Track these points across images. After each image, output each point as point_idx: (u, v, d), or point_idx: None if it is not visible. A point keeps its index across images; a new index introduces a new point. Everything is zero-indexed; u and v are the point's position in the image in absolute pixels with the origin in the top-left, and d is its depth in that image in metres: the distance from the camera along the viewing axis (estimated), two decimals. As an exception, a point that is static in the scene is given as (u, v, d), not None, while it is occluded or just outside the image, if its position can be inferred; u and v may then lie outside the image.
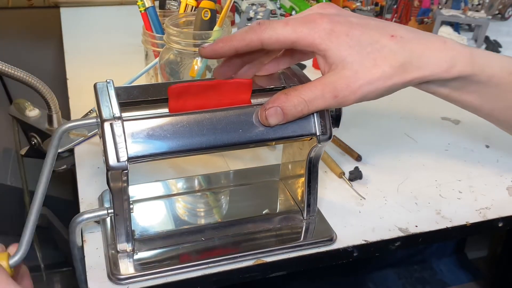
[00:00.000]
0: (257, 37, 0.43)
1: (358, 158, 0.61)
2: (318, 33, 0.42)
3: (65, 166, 0.61)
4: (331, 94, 0.42)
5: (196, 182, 0.56)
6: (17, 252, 0.39)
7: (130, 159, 0.40)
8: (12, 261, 0.39)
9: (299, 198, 0.51)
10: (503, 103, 0.49)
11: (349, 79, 0.42)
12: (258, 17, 0.92)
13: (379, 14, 1.14)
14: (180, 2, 0.66)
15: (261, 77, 0.48)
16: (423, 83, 0.46)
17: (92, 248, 0.47)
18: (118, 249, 0.45)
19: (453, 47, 0.45)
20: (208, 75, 0.59)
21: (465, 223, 0.52)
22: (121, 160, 0.39)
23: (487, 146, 0.66)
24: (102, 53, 0.89)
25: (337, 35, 0.42)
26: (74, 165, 0.59)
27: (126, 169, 0.39)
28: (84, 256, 0.46)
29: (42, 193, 0.41)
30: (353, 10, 1.13)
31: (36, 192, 0.41)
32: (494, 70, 0.47)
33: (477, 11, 1.06)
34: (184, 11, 0.65)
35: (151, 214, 0.51)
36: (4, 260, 0.39)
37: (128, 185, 0.41)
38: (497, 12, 1.20)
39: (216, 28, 0.57)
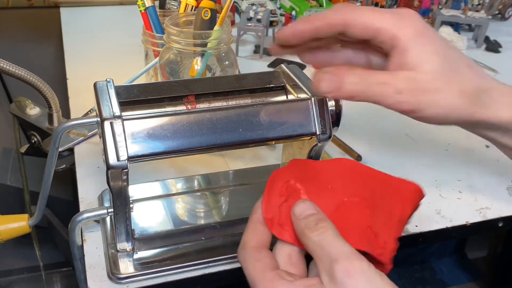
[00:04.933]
0: (341, 17, 0.40)
1: (358, 158, 0.61)
2: (406, 28, 0.40)
3: (64, 166, 0.61)
4: (393, 88, 0.39)
5: (196, 182, 0.56)
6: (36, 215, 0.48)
7: (130, 158, 0.40)
8: (31, 221, 0.48)
9: (299, 198, 0.51)
10: None
11: (420, 84, 0.39)
12: (258, 17, 0.92)
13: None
14: (180, 1, 0.66)
15: (260, 76, 0.48)
16: (486, 129, 0.43)
17: (92, 247, 0.47)
18: (118, 249, 0.45)
19: None
20: (208, 75, 0.59)
21: (465, 223, 0.52)
22: (121, 159, 0.39)
23: (487, 146, 0.66)
24: (102, 53, 0.89)
25: (424, 38, 0.40)
26: (74, 164, 0.59)
27: (126, 168, 0.39)
28: (84, 255, 0.46)
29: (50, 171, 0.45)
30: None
31: (45, 173, 0.45)
32: None
33: (477, 11, 1.07)
34: (184, 11, 0.65)
35: (151, 213, 0.51)
36: (24, 220, 0.48)
37: (128, 184, 0.41)
38: (497, 12, 1.20)
39: (216, 27, 0.57)
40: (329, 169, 0.41)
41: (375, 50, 0.44)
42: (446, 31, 1.01)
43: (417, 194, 0.40)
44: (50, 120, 0.63)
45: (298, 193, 0.38)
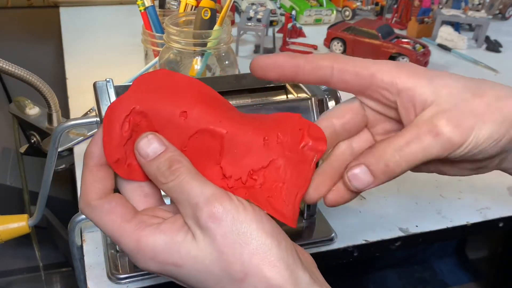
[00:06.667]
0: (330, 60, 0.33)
1: (358, 157, 0.61)
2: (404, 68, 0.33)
3: (64, 166, 0.61)
4: (429, 137, 0.31)
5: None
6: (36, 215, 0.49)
7: (130, 158, 0.39)
8: (31, 221, 0.49)
9: (299, 198, 0.51)
10: None
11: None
12: (258, 16, 0.92)
13: (380, 14, 1.14)
14: (180, 1, 0.66)
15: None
16: None
17: (92, 247, 0.46)
18: (118, 249, 0.45)
19: None
20: (208, 75, 0.59)
21: (466, 223, 0.52)
22: (120, 159, 0.39)
23: (488, 146, 0.66)
24: (101, 53, 0.89)
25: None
26: (73, 164, 0.59)
27: (126, 168, 0.39)
28: (83, 256, 0.45)
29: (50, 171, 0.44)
30: (353, 10, 1.13)
31: (44, 173, 0.45)
32: None
33: (477, 10, 1.06)
34: (184, 11, 0.65)
35: (150, 213, 0.50)
36: (24, 220, 0.49)
37: (127, 184, 0.41)
38: (497, 11, 1.20)
39: (216, 27, 0.57)
40: (188, 86, 0.32)
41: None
42: (447, 31, 1.01)
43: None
44: (50, 120, 0.63)
45: (143, 124, 0.31)
